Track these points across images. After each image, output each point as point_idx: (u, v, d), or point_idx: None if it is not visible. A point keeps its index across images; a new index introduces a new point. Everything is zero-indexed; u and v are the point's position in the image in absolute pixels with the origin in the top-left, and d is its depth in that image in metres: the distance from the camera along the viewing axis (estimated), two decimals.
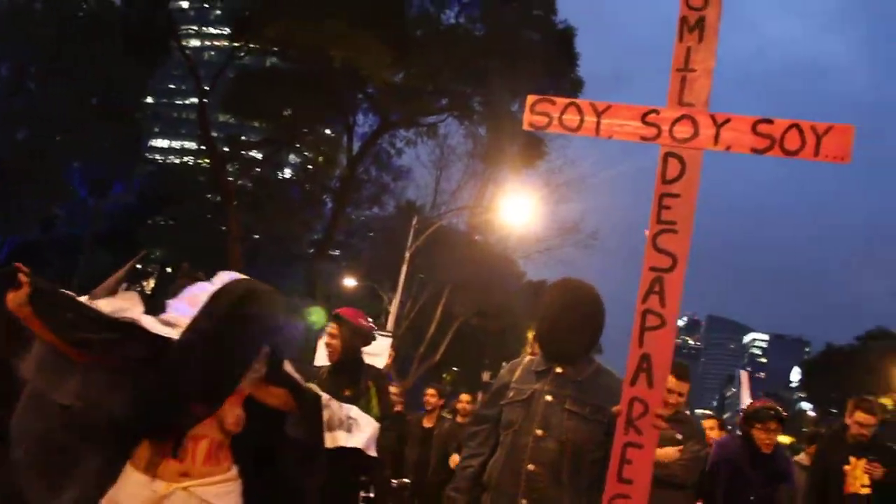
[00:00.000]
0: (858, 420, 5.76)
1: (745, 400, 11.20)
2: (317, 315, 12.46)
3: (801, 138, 2.64)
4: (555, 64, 29.02)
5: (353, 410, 2.99)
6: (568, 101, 2.92)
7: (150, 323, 2.45)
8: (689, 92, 2.78)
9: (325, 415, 2.77)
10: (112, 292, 2.55)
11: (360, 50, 23.62)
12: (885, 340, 53.60)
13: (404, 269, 24.78)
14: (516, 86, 27.97)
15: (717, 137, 2.72)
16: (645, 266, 2.72)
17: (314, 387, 2.81)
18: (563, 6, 31.08)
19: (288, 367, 2.68)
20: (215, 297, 2.49)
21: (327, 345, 4.92)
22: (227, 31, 42.65)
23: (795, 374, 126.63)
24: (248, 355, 2.50)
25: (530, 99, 2.94)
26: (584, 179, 32.19)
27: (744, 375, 11.69)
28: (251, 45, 28.43)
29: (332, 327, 4.91)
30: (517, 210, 25.04)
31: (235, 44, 29.19)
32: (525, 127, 2.95)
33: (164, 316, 2.54)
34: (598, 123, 2.84)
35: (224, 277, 2.62)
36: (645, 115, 2.80)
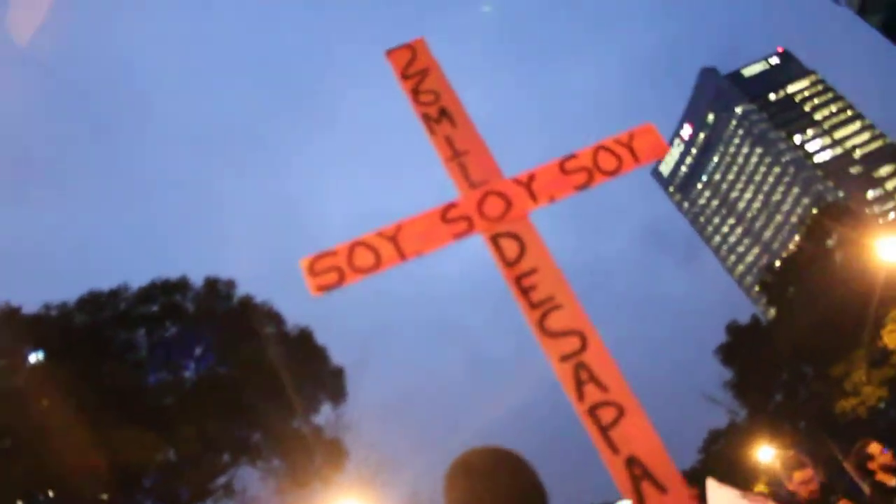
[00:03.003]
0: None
1: None
2: None
3: (614, 155, 2.55)
4: (309, 364, 29.32)
5: None
6: (349, 243, 2.49)
7: None
8: (474, 171, 2.59)
9: None
10: None
11: (120, 446, 22.09)
12: (724, 438, 55.96)
13: None
14: (285, 403, 27.63)
15: (533, 195, 2.51)
16: (554, 362, 2.23)
17: None
18: (292, 313, 32.04)
19: None
20: None
21: None
22: None
23: None
24: None
25: (304, 263, 2.44)
26: (395, 458, 31.88)
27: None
28: None
29: None
30: None
31: None
32: (315, 292, 2.41)
33: None
34: (399, 248, 2.47)
35: None
36: (444, 214, 2.52)
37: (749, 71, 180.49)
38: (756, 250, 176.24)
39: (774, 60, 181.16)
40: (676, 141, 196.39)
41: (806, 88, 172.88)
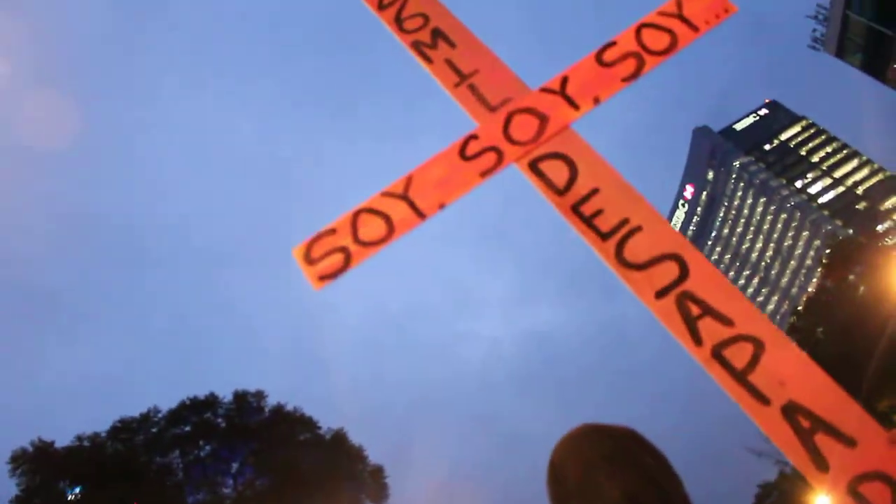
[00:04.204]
0: None
1: None
2: None
3: (664, 30, 2.06)
4: (347, 466, 29.12)
5: None
6: (350, 213, 1.92)
7: None
8: (492, 92, 2.10)
9: None
10: None
11: None
12: (776, 490, 54.19)
13: None
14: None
15: (571, 102, 2.01)
16: (649, 302, 1.70)
17: None
18: (326, 418, 31.88)
19: None
20: None
21: None
22: None
23: None
24: None
25: (298, 252, 1.86)
26: None
27: None
28: None
29: None
30: None
31: None
32: (316, 285, 1.81)
33: None
34: (414, 205, 1.90)
35: None
36: (463, 150, 1.97)
37: (740, 125, 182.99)
38: (775, 298, 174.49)
39: (763, 111, 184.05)
40: (680, 202, 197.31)
41: (798, 134, 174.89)
